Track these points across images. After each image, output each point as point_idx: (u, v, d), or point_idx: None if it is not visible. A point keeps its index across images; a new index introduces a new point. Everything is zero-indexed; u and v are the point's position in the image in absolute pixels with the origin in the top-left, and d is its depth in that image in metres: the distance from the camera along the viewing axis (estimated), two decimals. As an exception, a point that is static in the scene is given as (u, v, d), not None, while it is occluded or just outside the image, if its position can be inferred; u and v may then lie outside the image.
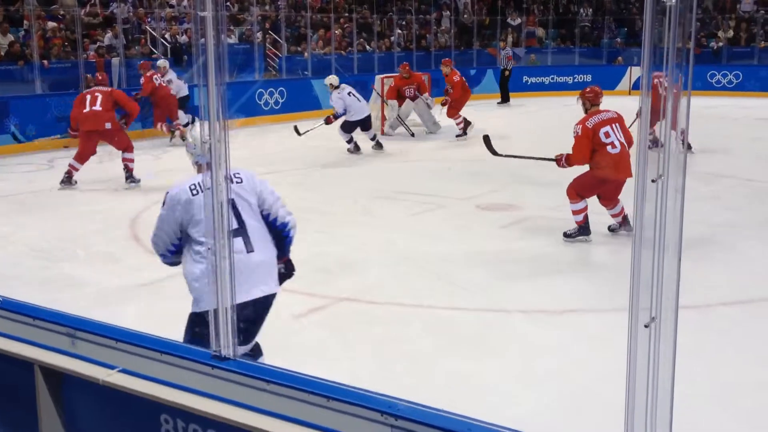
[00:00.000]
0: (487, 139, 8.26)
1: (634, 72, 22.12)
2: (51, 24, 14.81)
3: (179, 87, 13.76)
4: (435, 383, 4.22)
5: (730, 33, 23.40)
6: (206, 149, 2.68)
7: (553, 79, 23.41)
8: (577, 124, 6.92)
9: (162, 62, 13.65)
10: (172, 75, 13.69)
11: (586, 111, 7.11)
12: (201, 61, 2.74)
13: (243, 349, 3.60)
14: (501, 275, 6.09)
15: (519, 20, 24.94)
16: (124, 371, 2.58)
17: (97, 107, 9.34)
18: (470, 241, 7.13)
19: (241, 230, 3.51)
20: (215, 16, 2.64)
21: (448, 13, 24.43)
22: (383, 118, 14.68)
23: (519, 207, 8.34)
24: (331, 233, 7.42)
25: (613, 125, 6.88)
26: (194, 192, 3.55)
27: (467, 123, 14.10)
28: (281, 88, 17.20)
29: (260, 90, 16.73)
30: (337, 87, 12.36)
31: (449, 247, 6.90)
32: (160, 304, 5.43)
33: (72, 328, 2.73)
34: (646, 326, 2.07)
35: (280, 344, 4.69)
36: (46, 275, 6.17)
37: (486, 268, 6.26)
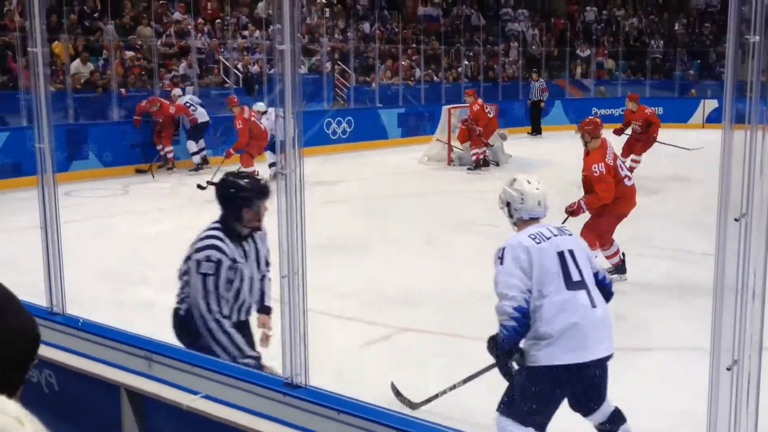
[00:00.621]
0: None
1: (708, 105, 21.68)
2: (129, 53, 15.31)
3: (202, 114, 13.72)
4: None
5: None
6: (280, 178, 2.73)
7: (623, 110, 23.07)
8: (593, 164, 6.47)
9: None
10: (195, 102, 13.80)
11: (586, 144, 6.75)
12: (278, 90, 2.81)
13: (599, 417, 3.42)
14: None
15: (588, 51, 24.74)
16: (207, 397, 2.63)
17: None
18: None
19: (583, 283, 3.28)
20: (292, 49, 2.70)
21: (516, 44, 24.41)
22: (450, 149, 14.69)
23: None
24: (393, 262, 7.44)
25: (618, 157, 6.85)
26: (537, 240, 3.32)
27: (486, 162, 13.89)
28: (349, 118, 17.39)
29: (329, 119, 16.94)
30: (264, 112, 12.33)
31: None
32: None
33: (149, 351, 2.80)
34: (728, 369, 2.02)
35: (344, 373, 4.70)
36: (122, 298, 6.32)
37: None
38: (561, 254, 3.27)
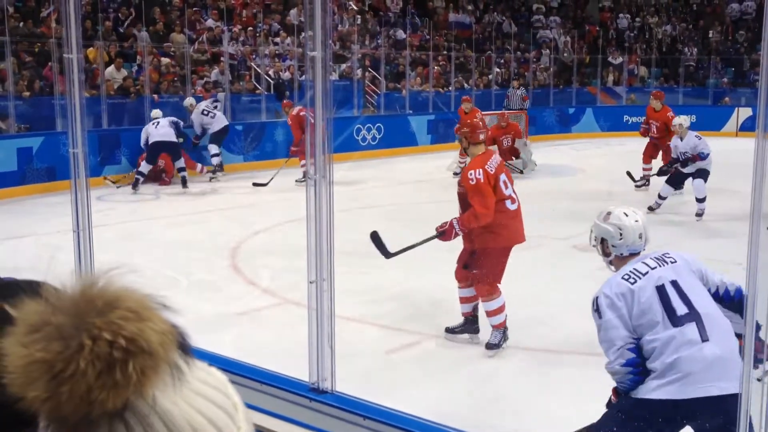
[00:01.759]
0: (376, 237, 5.68)
1: (742, 113, 21.40)
2: (165, 60, 15.50)
3: (220, 120, 13.69)
4: (527, 425, 4.14)
5: None
6: (311, 185, 2.75)
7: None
8: (470, 170, 5.12)
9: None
10: (211, 108, 13.80)
11: (465, 150, 5.52)
12: (309, 96, 2.83)
13: None
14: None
15: (620, 59, 24.56)
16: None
17: None
18: (565, 283, 6.99)
19: (691, 315, 2.92)
20: (323, 56, 2.72)
21: (547, 51, 24.31)
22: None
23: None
24: (420, 268, 7.42)
25: (506, 172, 5.36)
26: (632, 281, 3.02)
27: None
28: (379, 124, 17.42)
29: (358, 126, 16.99)
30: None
31: (543, 289, 6.78)
32: (258, 333, 5.54)
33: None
34: (758, 380, 1.99)
35: (371, 379, 4.70)
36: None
37: (582, 311, 6.12)
38: (661, 288, 2.98)
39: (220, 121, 13.63)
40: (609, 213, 3.35)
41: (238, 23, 17.93)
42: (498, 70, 22.04)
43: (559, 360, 5.14)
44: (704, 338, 2.85)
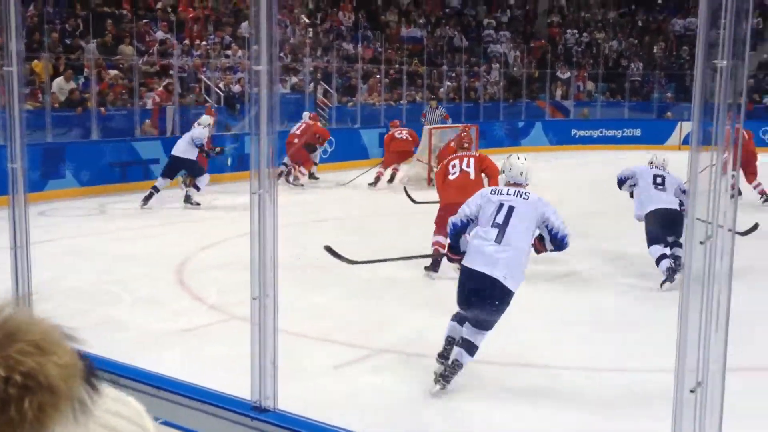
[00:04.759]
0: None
1: (685, 127, 21.91)
2: (113, 72, 15.27)
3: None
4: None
5: (785, 89, 23.12)
6: (255, 200, 2.72)
7: (602, 132, 23.33)
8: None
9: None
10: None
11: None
12: (254, 113, 2.81)
13: (480, 338, 4.76)
14: (548, 330, 5.99)
15: (568, 73, 24.98)
16: (167, 423, 2.59)
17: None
18: (517, 296, 7.05)
19: (501, 225, 4.61)
20: (269, 70, 2.70)
21: (497, 65, 24.59)
22: (430, 169, 14.73)
23: (565, 262, 8.25)
24: (372, 283, 7.42)
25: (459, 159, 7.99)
26: (492, 193, 4.89)
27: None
28: (330, 138, 17.41)
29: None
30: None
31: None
32: (203, 350, 5.46)
33: (114, 374, 2.76)
34: (692, 391, 2.02)
35: (320, 395, 4.67)
36: (88, 318, 6.24)
37: (530, 323, 6.18)
38: (500, 206, 4.70)
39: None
40: (510, 155, 5.20)
41: (189, 36, 17.77)
42: (449, 83, 22.23)
43: (508, 372, 5.16)
44: (497, 241, 4.58)
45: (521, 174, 4.97)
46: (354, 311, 6.50)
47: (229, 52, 18.15)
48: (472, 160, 7.87)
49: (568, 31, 27.73)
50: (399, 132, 14.88)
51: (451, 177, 7.80)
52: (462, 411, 4.56)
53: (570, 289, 7.29)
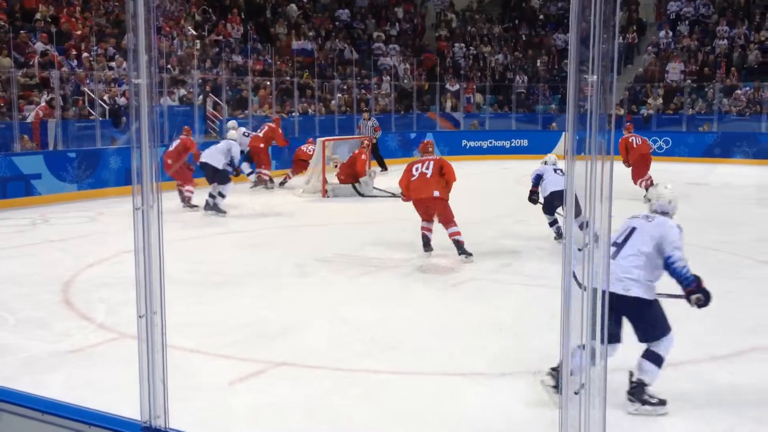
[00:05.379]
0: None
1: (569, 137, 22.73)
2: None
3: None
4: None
5: (660, 101, 24.34)
6: (139, 216, 2.67)
7: (491, 143, 23.95)
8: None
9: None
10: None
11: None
12: (135, 127, 2.74)
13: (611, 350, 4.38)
14: (441, 338, 6.09)
15: (457, 86, 25.53)
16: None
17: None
18: (412, 305, 7.15)
19: (620, 246, 4.74)
20: (149, 83, 2.65)
21: (388, 78, 24.89)
22: (324, 181, 14.76)
23: (461, 269, 8.42)
24: (270, 297, 7.36)
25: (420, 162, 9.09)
26: (634, 216, 4.96)
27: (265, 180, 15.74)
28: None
29: (200, 152, 16.64)
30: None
31: (389, 311, 6.89)
32: (90, 372, 5.28)
33: (-5, 400, 2.64)
34: (576, 393, 2.11)
35: (214, 412, 4.59)
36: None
37: (425, 331, 6.27)
38: (627, 227, 4.85)
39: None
40: (656, 184, 6.17)
41: (72, 47, 17.17)
42: (340, 95, 22.34)
43: (403, 382, 5.22)
44: (613, 257, 4.64)
45: (669, 203, 5.01)
46: (252, 324, 6.43)
47: (113, 64, 17.64)
48: (431, 163, 9.01)
49: (456, 44, 28.35)
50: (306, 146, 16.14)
51: (411, 179, 8.97)
52: (356, 425, 4.58)
53: (464, 297, 7.44)
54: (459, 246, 8.72)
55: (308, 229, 11.43)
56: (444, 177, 8.93)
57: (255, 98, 19.69)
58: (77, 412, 2.58)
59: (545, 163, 10.09)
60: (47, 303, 7.06)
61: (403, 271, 8.42)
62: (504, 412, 4.67)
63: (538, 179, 9.95)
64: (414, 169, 9.03)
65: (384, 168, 19.10)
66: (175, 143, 12.84)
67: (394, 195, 12.06)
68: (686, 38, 26.36)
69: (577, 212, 2.24)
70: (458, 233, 8.76)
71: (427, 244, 8.93)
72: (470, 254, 8.71)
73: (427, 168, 8.96)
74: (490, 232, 10.58)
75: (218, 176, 12.24)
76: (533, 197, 10.01)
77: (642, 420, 4.50)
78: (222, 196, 12.27)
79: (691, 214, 12.56)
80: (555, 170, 9.83)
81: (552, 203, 9.73)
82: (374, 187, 14.86)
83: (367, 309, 6.96)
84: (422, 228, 9.05)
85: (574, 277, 5.59)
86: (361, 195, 14.59)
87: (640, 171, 14.01)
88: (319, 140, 15.52)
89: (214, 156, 12.33)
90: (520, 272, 8.42)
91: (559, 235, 9.74)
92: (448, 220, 8.82)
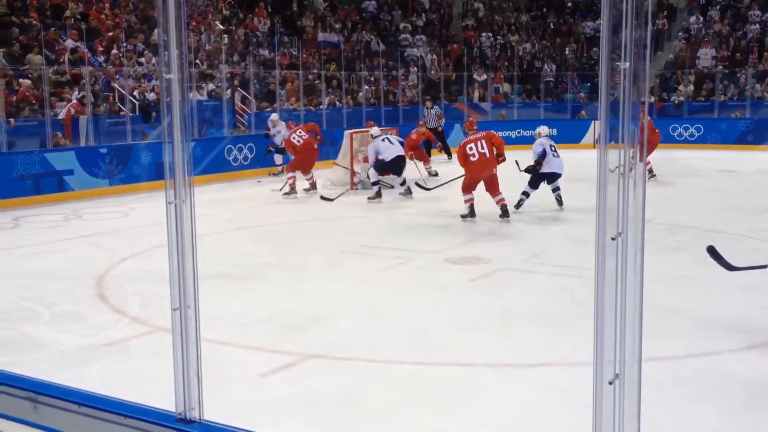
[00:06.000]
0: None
1: (598, 126, 22.52)
2: (25, 81, 14.78)
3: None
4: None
5: (691, 88, 24.03)
6: (172, 210, 2.69)
7: (519, 132, 23.80)
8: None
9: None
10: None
11: (467, 135, 10.84)
12: (166, 122, 2.76)
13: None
14: (469, 329, 6.08)
15: (485, 76, 25.40)
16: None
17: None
18: (438, 295, 7.14)
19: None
20: (180, 78, 2.67)
21: (415, 69, 24.83)
22: (353, 173, 14.77)
23: (488, 260, 8.39)
24: (297, 288, 7.40)
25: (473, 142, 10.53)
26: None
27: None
28: (250, 144, 17.27)
29: (229, 146, 16.77)
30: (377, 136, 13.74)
31: (417, 302, 6.89)
32: (125, 365, 5.35)
33: (33, 393, 2.68)
34: (610, 383, 2.09)
35: (246, 404, 4.63)
36: (5, 336, 6.04)
37: (454, 322, 6.26)
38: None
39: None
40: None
41: (101, 44, 17.34)
42: (367, 87, 22.32)
43: (432, 372, 5.22)
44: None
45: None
46: (282, 317, 6.46)
47: (142, 60, 17.80)
48: (483, 141, 10.46)
49: (483, 34, 28.20)
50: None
51: (472, 159, 10.42)
52: (386, 414, 4.59)
53: (492, 287, 7.42)
54: (504, 210, 10.40)
55: (336, 221, 11.46)
56: (496, 148, 10.50)
57: (282, 91, 19.75)
58: (113, 404, 2.61)
59: (539, 135, 11.50)
60: (82, 297, 7.15)
61: (431, 261, 8.41)
62: (534, 404, 4.65)
63: (544, 154, 11.08)
64: (468, 149, 10.44)
65: (449, 155, 19.40)
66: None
67: (450, 181, 12.59)
68: (717, 23, 25.99)
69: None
70: (504, 199, 10.46)
71: (473, 213, 10.55)
72: (509, 215, 10.40)
73: (483, 147, 10.41)
74: (516, 222, 10.54)
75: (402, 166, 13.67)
76: (536, 168, 11.10)
77: (678, 413, 4.45)
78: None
79: (724, 201, 12.42)
80: (551, 147, 11.22)
81: (542, 180, 11.19)
82: (430, 187, 14.14)
83: (395, 299, 6.97)
84: (468, 200, 10.59)
85: (714, 254, 5.48)
86: (427, 189, 13.74)
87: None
88: (347, 132, 15.52)
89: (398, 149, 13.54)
90: (548, 262, 8.37)
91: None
92: (495, 189, 10.47)
